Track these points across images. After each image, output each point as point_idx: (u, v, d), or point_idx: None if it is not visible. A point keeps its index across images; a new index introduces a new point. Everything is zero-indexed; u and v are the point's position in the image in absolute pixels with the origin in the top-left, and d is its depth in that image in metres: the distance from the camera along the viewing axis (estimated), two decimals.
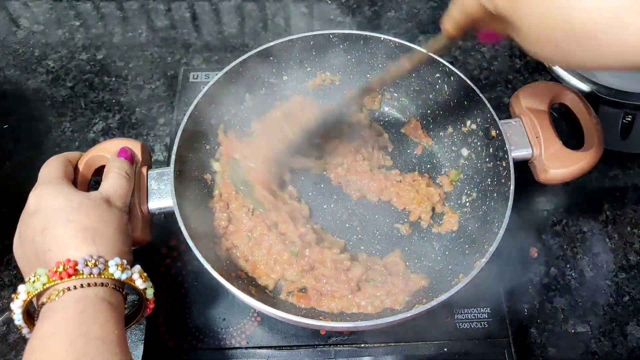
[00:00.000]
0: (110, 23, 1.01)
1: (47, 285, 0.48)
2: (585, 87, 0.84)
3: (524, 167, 0.70)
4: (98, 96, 0.91)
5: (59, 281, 0.48)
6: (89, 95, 0.91)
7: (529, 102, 0.70)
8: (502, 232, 0.59)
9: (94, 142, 0.85)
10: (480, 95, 0.70)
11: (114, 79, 0.93)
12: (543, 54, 0.37)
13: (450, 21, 0.50)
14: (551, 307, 0.72)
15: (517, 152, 0.67)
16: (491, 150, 0.70)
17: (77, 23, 1.01)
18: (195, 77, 0.87)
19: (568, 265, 0.75)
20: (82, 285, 0.48)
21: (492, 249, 0.58)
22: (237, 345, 0.65)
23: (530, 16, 0.35)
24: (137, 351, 0.65)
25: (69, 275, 0.47)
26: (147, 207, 0.63)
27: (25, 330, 0.51)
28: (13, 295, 0.49)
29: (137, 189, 0.62)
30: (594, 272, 0.74)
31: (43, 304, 0.48)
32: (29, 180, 0.59)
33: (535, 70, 0.94)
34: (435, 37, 0.58)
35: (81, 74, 0.94)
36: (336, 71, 0.82)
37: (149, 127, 0.87)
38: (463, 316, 0.67)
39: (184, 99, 0.84)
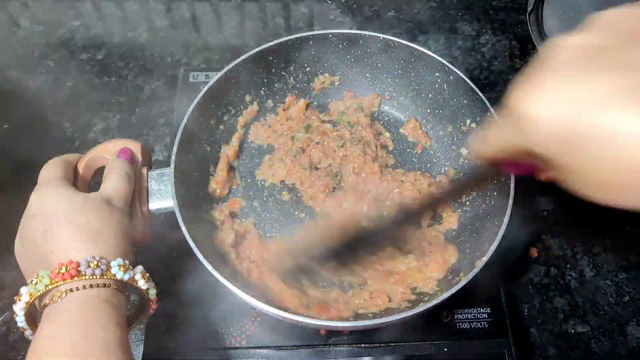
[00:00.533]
0: (110, 23, 1.01)
1: (50, 287, 0.48)
2: None
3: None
4: (98, 96, 0.91)
5: (61, 282, 0.48)
6: (89, 95, 0.91)
7: None
8: (502, 230, 0.59)
9: (94, 142, 0.85)
10: (480, 94, 0.70)
11: (114, 79, 0.93)
12: (602, 197, 0.33)
13: (482, 155, 0.43)
14: (551, 307, 0.72)
15: None
16: None
17: (77, 23, 1.01)
18: (195, 77, 0.87)
19: (568, 265, 0.75)
20: (84, 287, 0.48)
21: (492, 248, 0.58)
22: (237, 345, 0.65)
23: (594, 163, 0.31)
24: (137, 351, 0.65)
25: (72, 277, 0.47)
26: (148, 208, 0.63)
27: (28, 332, 0.51)
28: (15, 297, 0.49)
29: (138, 189, 0.62)
30: (594, 272, 0.74)
31: (45, 305, 0.48)
32: (29, 181, 0.59)
33: None
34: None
35: (81, 74, 0.94)
36: (335, 71, 0.82)
37: (149, 127, 0.87)
38: (463, 316, 0.67)
39: (184, 99, 0.84)
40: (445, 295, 0.56)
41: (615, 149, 0.29)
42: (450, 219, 0.73)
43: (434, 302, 0.56)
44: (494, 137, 0.40)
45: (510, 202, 0.62)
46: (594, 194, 0.34)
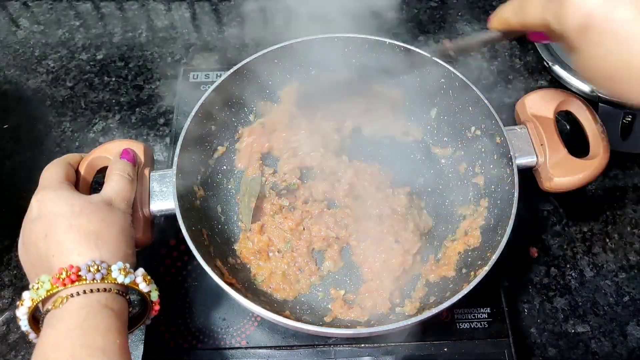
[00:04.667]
0: (110, 23, 1.01)
1: (51, 292, 0.48)
2: (586, 87, 0.84)
3: (526, 174, 0.69)
4: (98, 96, 0.91)
5: (62, 288, 0.48)
6: (89, 95, 0.91)
7: (534, 108, 0.69)
8: (505, 240, 0.59)
9: (94, 142, 0.85)
10: (485, 101, 0.69)
11: (114, 79, 0.93)
12: (598, 84, 0.38)
13: (502, 21, 0.48)
14: (551, 307, 0.72)
15: (522, 160, 0.66)
16: (495, 157, 0.70)
17: (77, 23, 1.01)
18: (195, 77, 0.87)
19: (568, 265, 0.75)
20: (85, 292, 0.48)
21: (494, 257, 0.58)
22: (237, 345, 0.65)
23: (599, 50, 0.35)
24: (137, 351, 0.65)
25: (72, 282, 0.48)
26: (149, 209, 0.63)
27: (32, 336, 0.51)
28: (18, 302, 0.49)
29: (140, 190, 0.62)
30: (594, 272, 0.75)
31: (48, 310, 0.48)
32: (29, 181, 0.59)
33: (535, 70, 0.94)
34: (479, 32, 0.59)
35: (81, 74, 0.94)
36: (340, 74, 0.81)
37: (149, 127, 0.87)
38: (463, 316, 0.67)
39: (184, 99, 0.84)
40: (448, 302, 0.56)
41: (623, 44, 0.33)
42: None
43: (435, 310, 0.56)
44: (523, 9, 0.43)
45: (514, 211, 0.61)
46: (593, 80, 0.38)
